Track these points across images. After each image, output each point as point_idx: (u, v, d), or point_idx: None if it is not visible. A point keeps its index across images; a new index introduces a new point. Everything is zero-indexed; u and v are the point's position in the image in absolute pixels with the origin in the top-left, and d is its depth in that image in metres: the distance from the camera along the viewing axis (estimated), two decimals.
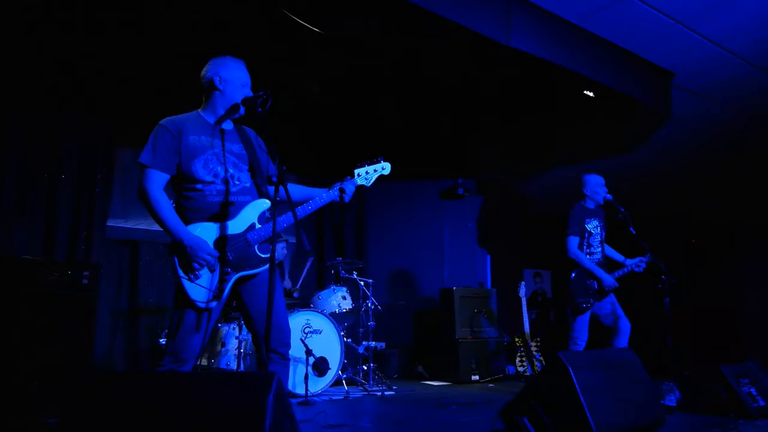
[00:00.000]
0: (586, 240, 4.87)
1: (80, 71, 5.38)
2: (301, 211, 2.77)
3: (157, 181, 2.64)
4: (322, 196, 2.86)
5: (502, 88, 5.65)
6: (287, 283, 6.17)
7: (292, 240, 6.63)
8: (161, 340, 5.35)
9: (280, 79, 5.16)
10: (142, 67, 5.32)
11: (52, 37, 4.83)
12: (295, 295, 6.03)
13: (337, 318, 5.56)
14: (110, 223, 5.98)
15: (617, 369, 3.09)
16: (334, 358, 5.28)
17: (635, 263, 4.84)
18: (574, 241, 4.83)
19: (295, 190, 2.88)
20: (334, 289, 5.83)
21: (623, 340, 4.75)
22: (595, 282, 4.78)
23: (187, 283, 2.57)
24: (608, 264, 4.92)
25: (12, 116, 5.43)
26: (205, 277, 2.60)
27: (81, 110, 5.82)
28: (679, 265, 5.27)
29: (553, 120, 6.41)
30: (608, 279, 4.75)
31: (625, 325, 4.77)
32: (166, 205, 2.61)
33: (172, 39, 4.84)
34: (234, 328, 5.15)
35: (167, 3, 4.36)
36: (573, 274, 4.82)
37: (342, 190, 2.88)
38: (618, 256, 5.03)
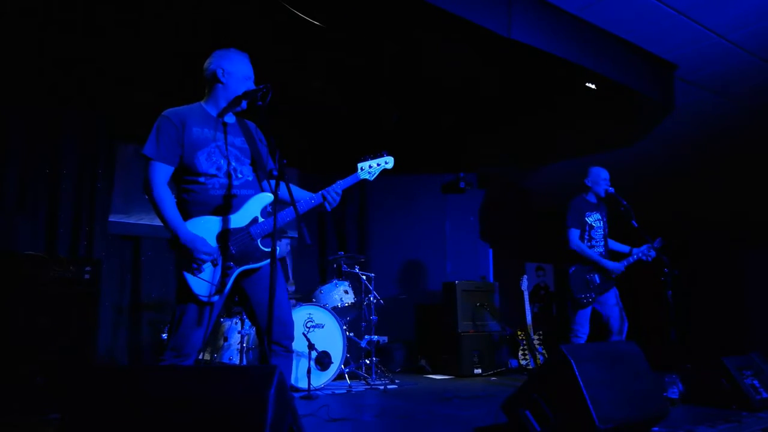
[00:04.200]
0: (587, 233, 4.82)
1: (80, 71, 5.36)
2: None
3: (162, 173, 2.63)
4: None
5: (503, 82, 5.62)
6: (290, 287, 6.14)
7: (293, 234, 6.62)
8: (164, 335, 5.36)
9: (281, 75, 5.14)
10: (142, 67, 5.31)
11: (52, 37, 4.81)
12: (290, 288, 6.02)
13: (339, 312, 5.57)
14: (112, 218, 5.99)
15: (620, 362, 3.08)
16: (337, 353, 5.28)
17: (643, 251, 4.76)
18: (574, 233, 4.79)
19: (284, 194, 2.84)
20: (336, 284, 5.83)
21: (618, 338, 4.73)
22: (596, 275, 4.75)
23: (189, 277, 2.57)
24: (613, 257, 4.88)
25: (13, 113, 5.43)
26: (208, 271, 2.60)
27: (82, 107, 5.82)
28: (682, 259, 5.25)
29: (555, 113, 6.38)
30: (614, 265, 4.70)
31: (617, 323, 4.73)
32: (169, 202, 2.61)
33: (172, 39, 4.83)
34: (236, 323, 5.15)
35: (167, 3, 4.34)
36: (572, 269, 4.78)
37: (324, 198, 2.83)
38: (624, 247, 4.98)
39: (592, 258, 4.73)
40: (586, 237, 4.82)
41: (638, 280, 5.39)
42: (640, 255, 4.78)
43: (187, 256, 2.55)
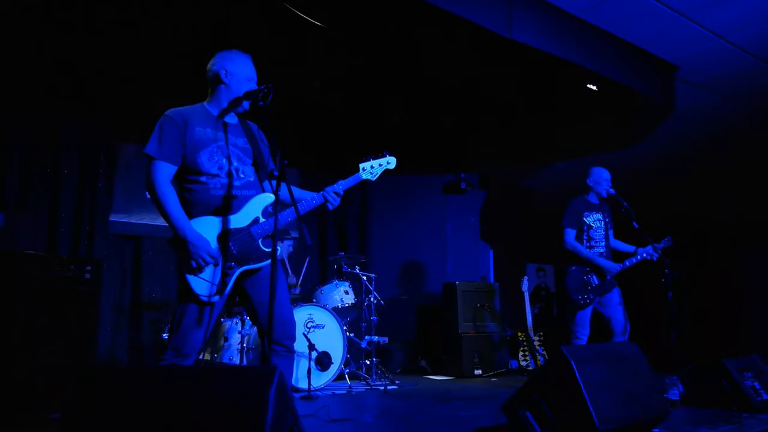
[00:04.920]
0: (585, 233, 4.80)
1: (80, 71, 5.38)
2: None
3: (165, 172, 2.63)
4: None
5: (504, 83, 5.62)
6: (292, 279, 6.17)
7: (295, 234, 6.63)
8: (164, 335, 5.36)
9: (282, 77, 5.15)
10: (142, 67, 5.31)
11: (52, 37, 4.82)
12: (296, 291, 6.03)
13: (339, 313, 5.57)
14: (113, 218, 5.99)
15: (620, 363, 3.08)
16: (337, 353, 5.28)
17: (648, 251, 4.72)
18: (570, 233, 4.77)
19: (285, 195, 2.82)
20: (336, 284, 5.83)
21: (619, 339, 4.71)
22: (594, 276, 4.73)
23: (190, 277, 2.56)
24: (619, 258, 4.84)
25: (14, 113, 5.44)
26: (209, 271, 2.60)
27: (82, 107, 5.83)
28: (682, 260, 5.24)
29: (556, 115, 6.39)
30: (609, 264, 4.66)
31: (620, 324, 4.71)
32: (172, 200, 2.61)
33: (172, 39, 4.83)
34: (237, 323, 5.15)
35: (167, 3, 4.35)
36: (570, 270, 4.77)
37: (325, 198, 2.83)
38: (629, 248, 4.95)
39: (587, 257, 4.71)
40: (585, 237, 4.80)
41: (639, 281, 5.37)
42: (645, 255, 4.74)
43: (190, 255, 2.55)
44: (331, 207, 2.85)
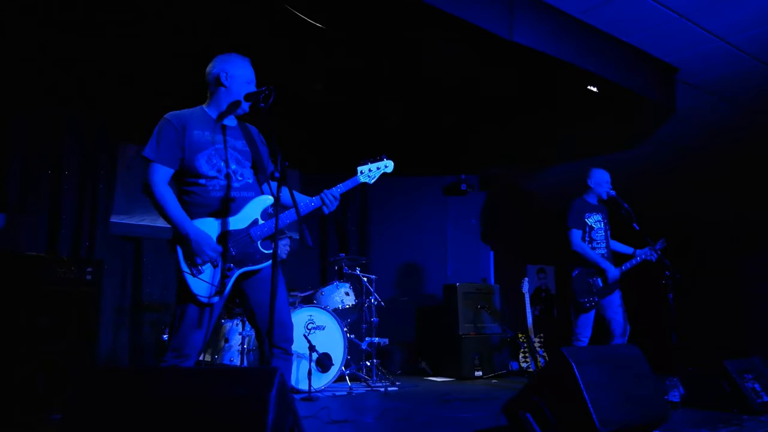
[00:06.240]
0: (587, 234, 4.80)
1: (81, 71, 5.38)
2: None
3: (162, 175, 2.64)
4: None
5: (504, 84, 5.62)
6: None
7: (295, 236, 6.63)
8: (165, 336, 5.36)
9: (282, 78, 5.15)
10: (142, 67, 5.32)
11: (53, 37, 4.83)
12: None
13: (340, 314, 5.57)
14: (114, 219, 5.99)
15: (621, 365, 3.08)
16: (338, 354, 5.28)
17: (646, 252, 4.75)
18: (576, 234, 4.75)
19: (284, 196, 2.68)
20: (337, 285, 5.83)
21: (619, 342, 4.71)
22: (599, 278, 4.73)
23: (189, 278, 2.57)
24: (616, 259, 4.85)
25: (15, 114, 5.44)
26: (208, 272, 2.61)
27: (83, 108, 5.83)
28: (682, 260, 5.24)
29: (557, 116, 6.38)
30: (613, 271, 4.67)
31: (620, 327, 4.71)
32: (171, 199, 2.62)
33: (172, 39, 4.83)
34: (237, 324, 5.15)
35: (167, 3, 4.35)
36: (575, 273, 4.76)
37: (323, 201, 2.81)
38: (627, 249, 4.96)
39: (594, 260, 4.70)
40: (587, 238, 4.79)
41: (639, 282, 5.36)
42: (644, 256, 4.76)
43: (194, 251, 2.55)
44: (327, 210, 2.82)
